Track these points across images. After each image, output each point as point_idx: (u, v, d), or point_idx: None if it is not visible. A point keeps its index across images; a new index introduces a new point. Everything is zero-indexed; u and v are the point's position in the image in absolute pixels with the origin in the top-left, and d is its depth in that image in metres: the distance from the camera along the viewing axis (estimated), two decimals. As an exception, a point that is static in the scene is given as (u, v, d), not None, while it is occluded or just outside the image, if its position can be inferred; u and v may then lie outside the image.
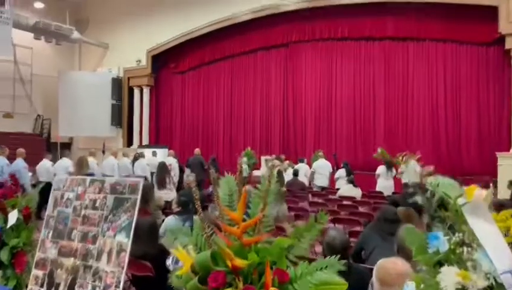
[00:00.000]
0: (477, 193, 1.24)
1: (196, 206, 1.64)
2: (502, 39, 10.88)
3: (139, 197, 1.73)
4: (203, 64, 16.61)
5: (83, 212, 1.86)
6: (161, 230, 4.89)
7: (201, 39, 15.89)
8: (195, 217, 1.50)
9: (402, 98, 12.86)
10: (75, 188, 1.95)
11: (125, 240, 1.68)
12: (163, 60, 17.33)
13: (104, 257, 1.70)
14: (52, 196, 2.01)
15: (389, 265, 1.93)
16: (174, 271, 1.37)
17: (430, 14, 11.98)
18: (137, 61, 17.22)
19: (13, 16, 14.37)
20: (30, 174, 9.07)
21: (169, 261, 2.76)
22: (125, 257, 1.66)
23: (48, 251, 1.90)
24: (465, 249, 1.14)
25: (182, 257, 1.32)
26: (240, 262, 1.22)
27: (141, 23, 16.89)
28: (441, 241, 1.19)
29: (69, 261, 1.80)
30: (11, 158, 8.94)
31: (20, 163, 8.52)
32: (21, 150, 8.84)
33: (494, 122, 11.56)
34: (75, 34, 17.09)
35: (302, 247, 1.45)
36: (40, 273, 1.90)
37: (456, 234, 1.24)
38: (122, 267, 1.65)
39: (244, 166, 12.63)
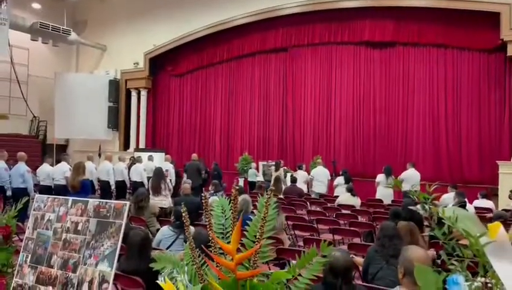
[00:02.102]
0: (502, 231, 1.11)
1: (185, 227, 1.50)
2: (503, 46, 10.79)
3: (124, 221, 1.58)
4: (201, 67, 16.48)
5: (63, 236, 1.71)
6: (155, 241, 4.73)
7: (199, 42, 15.78)
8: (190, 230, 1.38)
9: (402, 104, 12.72)
10: (57, 208, 1.80)
11: (107, 270, 1.53)
12: (161, 63, 17.21)
13: (85, 287, 1.55)
14: (32, 216, 1.86)
15: None
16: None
17: (431, 20, 11.88)
18: (134, 64, 17.10)
19: (10, 17, 14.26)
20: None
21: (161, 278, 2.61)
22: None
23: (25, 277, 1.74)
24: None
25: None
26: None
27: (139, 25, 16.79)
28: (461, 288, 1.05)
29: (47, 290, 1.66)
30: (9, 161, 8.82)
31: (22, 167, 8.31)
32: (22, 153, 8.61)
33: (495, 130, 11.43)
34: (73, 36, 16.96)
35: (302, 284, 1.32)
36: (17, 301, 1.75)
37: (478, 279, 1.10)
38: (105, 301, 1.50)
39: (253, 171, 12.50)
